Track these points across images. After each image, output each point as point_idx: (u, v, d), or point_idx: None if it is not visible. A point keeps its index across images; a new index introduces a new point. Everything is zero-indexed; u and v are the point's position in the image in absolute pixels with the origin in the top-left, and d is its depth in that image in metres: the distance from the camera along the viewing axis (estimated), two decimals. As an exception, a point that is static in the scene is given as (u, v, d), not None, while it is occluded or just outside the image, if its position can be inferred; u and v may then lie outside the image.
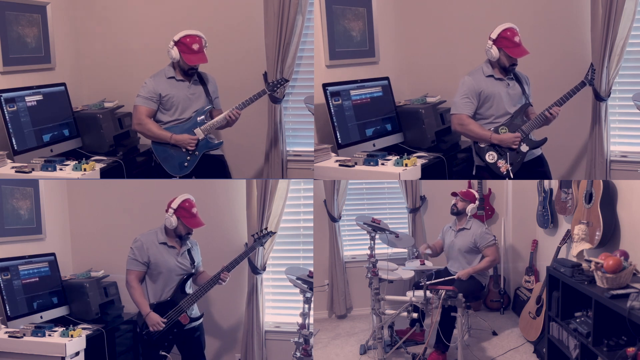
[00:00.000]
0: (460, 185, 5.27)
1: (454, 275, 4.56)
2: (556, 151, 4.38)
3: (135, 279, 3.75)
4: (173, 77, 3.92)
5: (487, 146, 3.87)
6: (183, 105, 3.93)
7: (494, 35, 3.79)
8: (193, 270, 3.87)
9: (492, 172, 3.89)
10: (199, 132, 3.91)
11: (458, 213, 4.62)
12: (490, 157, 3.87)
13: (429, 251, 4.77)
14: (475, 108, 3.87)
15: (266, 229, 4.19)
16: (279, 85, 4.14)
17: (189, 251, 3.88)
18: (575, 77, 4.31)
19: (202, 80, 4.01)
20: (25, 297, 4.07)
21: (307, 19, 4.45)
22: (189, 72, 3.93)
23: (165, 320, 3.68)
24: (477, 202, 4.64)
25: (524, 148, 3.85)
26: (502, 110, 3.87)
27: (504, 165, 3.84)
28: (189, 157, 3.92)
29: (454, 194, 4.65)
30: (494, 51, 3.80)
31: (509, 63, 3.83)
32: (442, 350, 4.19)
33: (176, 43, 3.84)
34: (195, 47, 3.84)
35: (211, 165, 4.06)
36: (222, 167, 4.19)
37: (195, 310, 3.86)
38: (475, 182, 5.41)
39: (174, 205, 3.76)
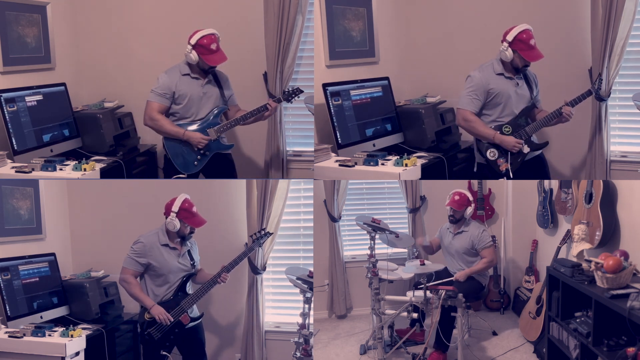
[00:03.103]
0: (460, 185, 5.26)
1: (453, 275, 4.57)
2: (556, 151, 4.39)
3: (131, 276, 3.75)
4: (188, 75, 3.91)
5: (489, 143, 3.87)
6: (197, 104, 3.93)
7: (510, 37, 3.77)
8: (193, 271, 3.87)
9: (492, 170, 3.89)
10: (212, 133, 3.92)
11: (458, 220, 4.61)
12: (492, 154, 3.87)
13: (426, 242, 4.76)
14: (481, 105, 3.87)
15: (264, 229, 4.20)
16: (294, 95, 4.10)
17: (189, 251, 3.89)
18: (575, 78, 4.33)
19: (216, 80, 4.00)
20: (25, 297, 4.07)
21: (307, 19, 4.46)
22: (210, 71, 3.92)
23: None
24: (472, 204, 4.62)
25: (526, 149, 3.85)
26: (509, 109, 3.87)
27: (503, 164, 3.85)
28: (199, 157, 3.93)
29: (449, 206, 4.59)
30: (509, 53, 3.79)
31: (522, 65, 3.83)
32: (442, 350, 4.19)
33: (194, 46, 3.82)
34: (214, 46, 3.83)
35: (220, 164, 4.07)
36: (230, 166, 4.19)
37: (195, 310, 3.86)
38: (475, 181, 5.41)
39: (175, 208, 3.75)
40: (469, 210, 4.58)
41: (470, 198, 4.60)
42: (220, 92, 4.00)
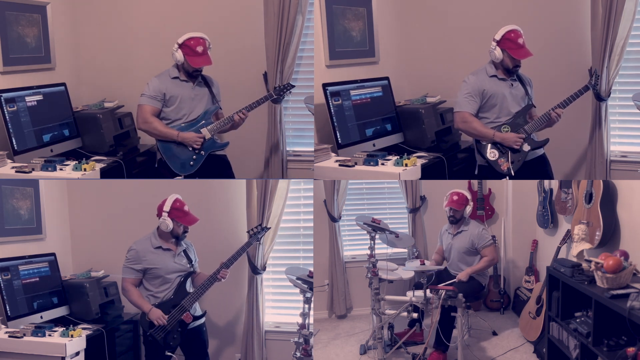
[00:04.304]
0: (460, 185, 5.26)
1: (454, 275, 4.57)
2: (556, 151, 4.38)
3: (131, 285, 3.78)
4: (177, 78, 3.94)
5: (489, 143, 3.87)
6: (189, 105, 3.94)
7: (497, 37, 3.80)
8: (192, 269, 3.88)
9: (494, 171, 3.89)
10: (206, 132, 3.92)
11: (458, 220, 4.62)
12: (492, 154, 3.87)
13: (432, 260, 4.77)
14: (478, 106, 3.88)
15: (260, 224, 4.20)
16: (285, 90, 4.16)
17: (184, 251, 3.89)
18: (575, 78, 4.32)
19: (206, 83, 4.03)
20: (25, 297, 4.06)
21: (307, 19, 4.46)
22: (193, 74, 3.95)
23: (167, 317, 3.69)
24: (470, 203, 4.61)
25: (526, 148, 3.85)
26: (505, 110, 3.88)
27: (505, 163, 3.85)
28: (194, 157, 3.93)
29: (449, 206, 4.60)
30: (498, 52, 3.81)
31: (513, 64, 3.84)
32: (442, 350, 4.19)
33: (180, 46, 3.87)
34: (200, 49, 3.86)
35: (215, 165, 4.07)
36: (226, 167, 4.20)
37: (197, 309, 3.87)
38: (475, 181, 5.41)
39: (166, 207, 3.77)
40: (468, 209, 4.59)
41: (469, 196, 4.60)
42: (211, 94, 4.02)
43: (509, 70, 3.87)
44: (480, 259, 4.54)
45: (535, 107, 3.98)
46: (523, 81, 3.95)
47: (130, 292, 3.77)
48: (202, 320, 3.90)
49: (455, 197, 4.56)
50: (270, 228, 4.37)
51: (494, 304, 5.37)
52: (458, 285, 4.24)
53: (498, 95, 3.87)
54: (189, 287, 3.82)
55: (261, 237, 4.18)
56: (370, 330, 4.67)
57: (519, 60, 3.84)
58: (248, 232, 4.13)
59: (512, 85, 3.89)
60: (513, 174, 3.84)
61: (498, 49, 3.81)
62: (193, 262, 3.92)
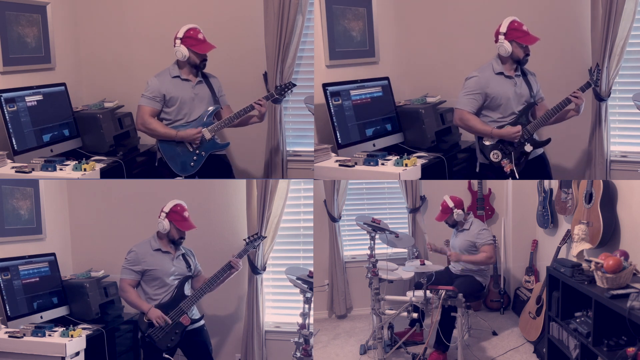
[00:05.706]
0: (460, 184, 5.27)
1: (454, 273, 4.58)
2: (556, 151, 4.39)
3: (128, 286, 3.78)
4: (178, 77, 3.92)
5: (492, 145, 3.86)
6: (189, 106, 3.93)
7: (503, 29, 3.79)
8: (190, 273, 3.87)
9: (495, 171, 3.89)
10: (206, 133, 3.91)
11: (454, 225, 4.66)
12: (495, 156, 3.86)
13: (436, 248, 4.82)
14: (478, 106, 3.87)
15: (257, 233, 4.17)
16: (286, 89, 4.14)
17: (183, 256, 3.90)
18: (574, 78, 4.31)
19: (206, 81, 4.02)
20: (25, 297, 4.06)
21: (307, 19, 4.46)
22: (201, 65, 3.92)
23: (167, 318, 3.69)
24: (455, 209, 4.57)
25: (528, 148, 3.85)
26: (509, 110, 3.87)
27: (508, 165, 3.84)
28: (195, 157, 3.93)
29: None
30: (507, 45, 3.79)
31: (524, 54, 3.82)
32: (442, 350, 4.20)
33: (182, 40, 3.84)
34: (201, 36, 3.87)
35: (215, 166, 4.06)
36: (226, 168, 4.19)
37: (195, 312, 3.86)
38: (475, 181, 5.41)
39: (166, 209, 3.79)
40: (456, 214, 4.56)
41: (451, 205, 4.57)
42: (212, 93, 4.01)
43: (520, 62, 3.85)
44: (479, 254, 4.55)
45: (537, 104, 3.96)
46: (527, 78, 3.92)
47: (129, 293, 3.77)
48: (201, 322, 3.89)
49: (440, 209, 4.60)
50: (266, 237, 4.35)
51: (494, 304, 5.37)
52: (458, 285, 4.24)
53: (502, 96, 3.84)
54: (187, 290, 3.82)
55: (257, 245, 4.13)
56: (370, 330, 4.67)
57: (528, 49, 3.82)
58: (244, 240, 4.10)
59: (516, 84, 3.87)
60: (517, 176, 3.83)
61: (506, 41, 3.79)
62: (192, 268, 3.92)
